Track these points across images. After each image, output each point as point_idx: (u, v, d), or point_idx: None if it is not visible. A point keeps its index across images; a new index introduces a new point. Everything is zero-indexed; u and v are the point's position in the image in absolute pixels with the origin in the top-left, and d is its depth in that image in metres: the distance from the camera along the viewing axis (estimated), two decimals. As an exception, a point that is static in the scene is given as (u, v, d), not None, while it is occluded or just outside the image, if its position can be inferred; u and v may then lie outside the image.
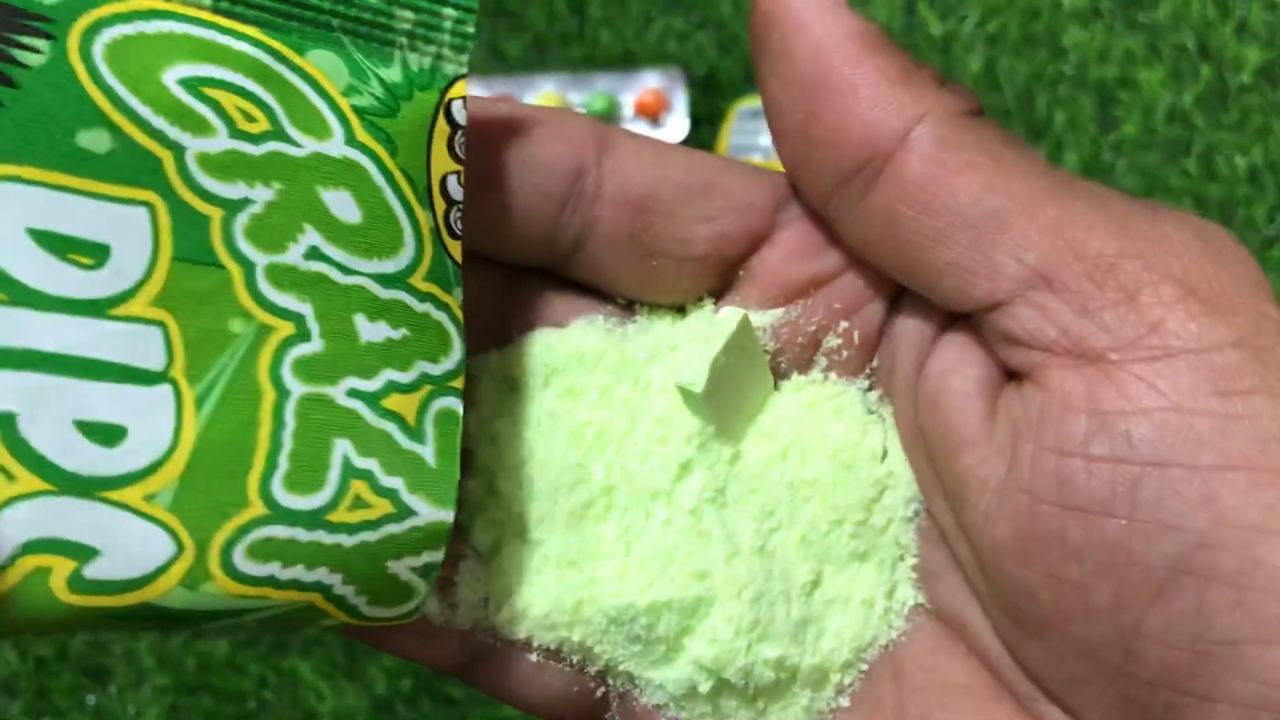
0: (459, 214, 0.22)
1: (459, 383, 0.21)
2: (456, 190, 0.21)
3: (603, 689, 0.25)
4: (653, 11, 0.84)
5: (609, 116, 0.81)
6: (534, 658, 0.25)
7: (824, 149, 0.21)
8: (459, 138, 0.21)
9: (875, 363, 0.25)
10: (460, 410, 0.21)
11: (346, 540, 0.20)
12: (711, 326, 0.25)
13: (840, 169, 0.21)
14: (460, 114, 0.21)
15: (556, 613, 0.24)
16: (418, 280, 0.21)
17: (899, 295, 0.24)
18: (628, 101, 0.82)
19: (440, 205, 0.21)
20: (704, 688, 0.24)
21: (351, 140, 0.20)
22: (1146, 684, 0.20)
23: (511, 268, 0.25)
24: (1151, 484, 0.19)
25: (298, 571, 0.19)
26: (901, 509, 0.25)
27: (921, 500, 0.25)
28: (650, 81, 0.82)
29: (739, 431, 0.25)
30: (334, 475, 0.19)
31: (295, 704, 0.74)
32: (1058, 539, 0.20)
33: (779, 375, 0.26)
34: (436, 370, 0.21)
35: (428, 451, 0.21)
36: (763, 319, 0.25)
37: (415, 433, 0.21)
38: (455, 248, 0.21)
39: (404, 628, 0.23)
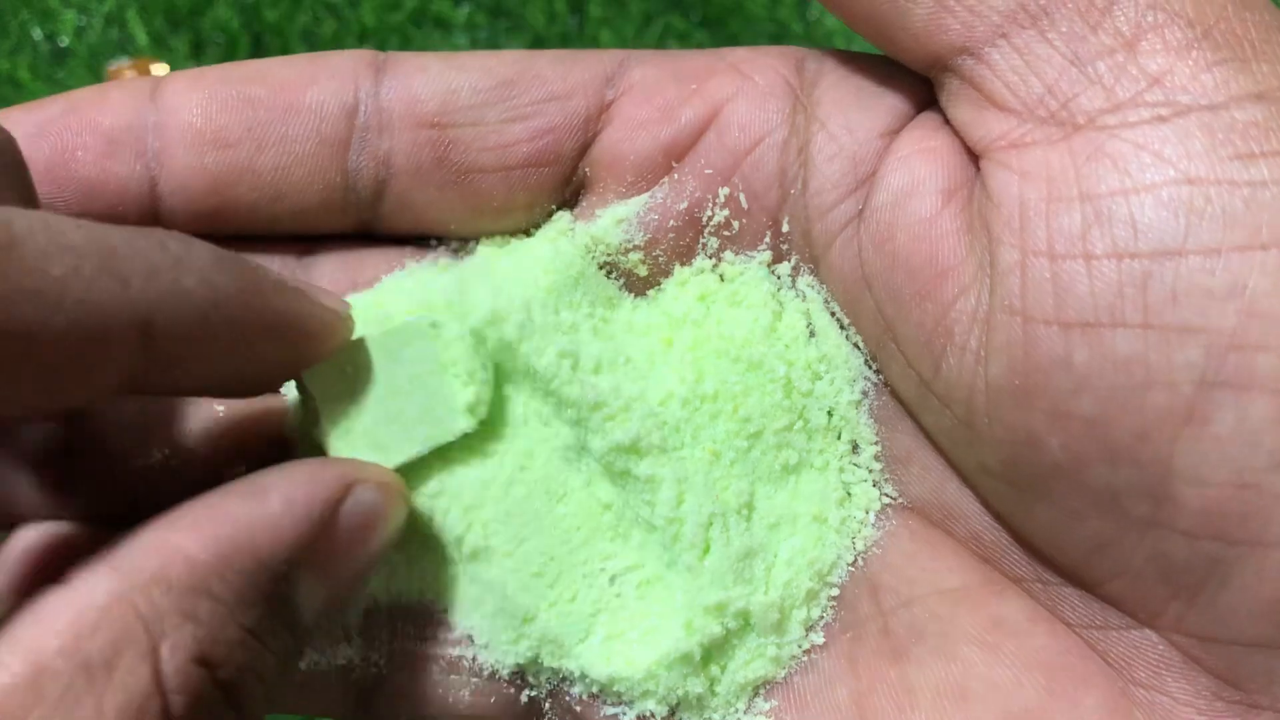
0: None
1: None
2: None
3: (526, 693, 0.22)
4: (652, 11, 0.84)
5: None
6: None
7: None
8: None
9: (786, 227, 0.21)
10: None
11: None
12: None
13: None
14: None
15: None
16: None
17: (804, 129, 0.20)
18: (628, 101, 0.82)
19: None
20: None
21: None
22: (1184, 535, 0.16)
23: (308, 239, 0.22)
24: (1165, 278, 0.16)
25: None
26: (845, 392, 0.21)
27: (870, 375, 0.21)
28: (650, 81, 0.82)
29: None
30: None
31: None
32: (1062, 366, 0.17)
33: (659, 272, 0.22)
34: None
35: None
36: (623, 210, 0.21)
37: None
38: None
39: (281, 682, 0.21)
